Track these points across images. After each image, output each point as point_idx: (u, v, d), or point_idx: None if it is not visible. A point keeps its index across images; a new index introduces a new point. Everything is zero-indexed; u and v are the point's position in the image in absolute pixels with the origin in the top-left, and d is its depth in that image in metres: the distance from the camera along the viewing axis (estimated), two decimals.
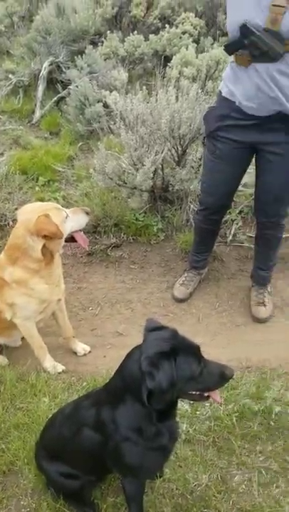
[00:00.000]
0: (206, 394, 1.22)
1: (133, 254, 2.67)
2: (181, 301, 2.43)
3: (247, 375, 1.96)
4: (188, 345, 1.17)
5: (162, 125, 2.47)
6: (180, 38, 4.06)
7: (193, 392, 1.20)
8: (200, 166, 2.51)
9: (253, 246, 2.42)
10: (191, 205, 2.69)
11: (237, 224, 2.76)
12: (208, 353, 2.03)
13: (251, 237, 2.61)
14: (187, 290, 2.44)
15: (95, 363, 2.11)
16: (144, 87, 3.10)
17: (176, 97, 2.59)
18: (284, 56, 1.59)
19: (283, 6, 1.53)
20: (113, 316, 2.38)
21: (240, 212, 2.81)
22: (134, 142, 2.53)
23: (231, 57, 1.74)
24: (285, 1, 1.52)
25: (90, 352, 2.17)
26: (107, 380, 1.31)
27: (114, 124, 2.65)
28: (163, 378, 1.07)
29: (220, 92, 1.87)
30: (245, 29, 1.58)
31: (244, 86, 1.72)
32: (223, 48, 1.72)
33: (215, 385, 1.21)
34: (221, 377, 1.20)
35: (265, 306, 2.33)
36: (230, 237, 2.72)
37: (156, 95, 2.63)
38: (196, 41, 4.14)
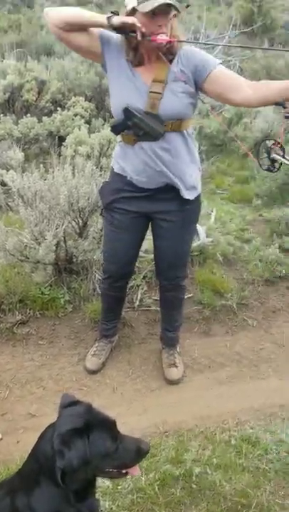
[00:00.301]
0: (124, 471, 1.19)
1: (41, 329, 2.61)
2: (94, 372, 2.39)
3: (165, 440, 1.95)
4: (104, 420, 1.15)
5: (61, 200, 2.54)
6: (72, 119, 4.32)
7: (110, 470, 1.16)
8: (101, 236, 2.60)
9: (159, 309, 2.51)
10: (96, 275, 2.74)
11: (142, 289, 2.85)
12: (125, 422, 2.03)
13: (157, 300, 2.70)
14: (99, 360, 2.42)
15: (8, 450, 1.96)
16: (41, 166, 3.20)
17: (73, 174, 2.71)
18: (165, 135, 1.78)
19: (160, 93, 1.73)
20: (24, 397, 2.26)
21: (144, 277, 2.91)
22: (34, 218, 2.56)
23: (119, 137, 1.90)
24: (160, 89, 1.73)
25: (1, 439, 2.02)
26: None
27: (13, 201, 2.68)
28: (74, 456, 1.03)
29: (112, 168, 2.01)
30: (128, 112, 1.75)
31: (133, 162, 1.87)
32: (110, 128, 1.88)
33: (131, 461, 1.18)
34: (138, 452, 1.17)
35: (176, 367, 2.38)
36: (138, 302, 2.78)
37: (53, 172, 2.73)
38: (88, 122, 4.42)
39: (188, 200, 1.94)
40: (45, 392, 2.28)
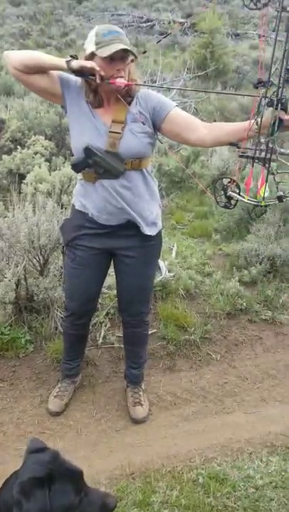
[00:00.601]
0: None
1: (0, 371, 2.51)
2: (57, 414, 2.31)
3: (132, 482, 1.89)
4: (69, 470, 1.09)
5: (21, 238, 2.52)
6: (32, 157, 4.33)
7: None
8: (62, 273, 2.58)
9: (122, 346, 2.48)
10: (58, 313, 2.69)
11: (105, 326, 2.82)
12: (91, 465, 1.96)
13: (120, 337, 2.67)
14: (62, 401, 2.34)
15: None
16: (1, 203, 3.17)
17: (34, 211, 2.70)
18: (125, 173, 1.82)
19: (119, 133, 1.78)
20: None
21: (107, 313, 2.89)
22: None
23: (80, 175, 1.92)
24: (120, 129, 1.78)
25: None
26: None
27: None
28: (33, 508, 0.97)
29: (73, 205, 2.02)
30: (88, 151, 1.78)
31: (94, 199, 1.89)
32: (70, 167, 1.90)
33: None
34: (103, 508, 1.11)
35: (141, 405, 2.34)
36: (101, 340, 2.74)
37: (14, 210, 2.71)
38: (48, 160, 4.44)
39: (150, 236, 1.97)
40: (5, 438, 2.17)
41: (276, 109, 1.43)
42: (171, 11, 19.16)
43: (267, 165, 1.48)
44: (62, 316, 2.60)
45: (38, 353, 2.64)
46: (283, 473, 2.01)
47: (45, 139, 4.82)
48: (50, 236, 2.60)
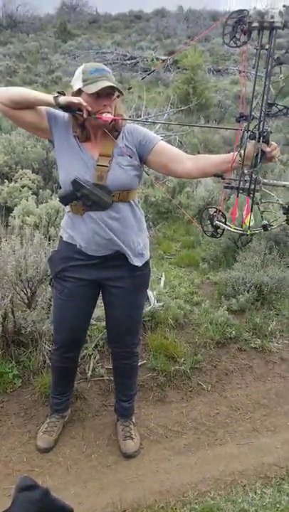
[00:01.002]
0: None
1: None
2: (46, 450, 2.25)
3: None
4: (59, 508, 1.06)
5: (8, 270, 2.51)
6: (20, 191, 4.36)
7: None
8: (50, 305, 2.56)
9: (112, 378, 2.45)
10: (46, 346, 2.66)
11: (94, 358, 2.79)
12: (81, 502, 1.91)
13: (110, 369, 2.64)
14: (51, 437, 2.29)
15: None
16: None
17: (21, 244, 2.71)
18: (113, 205, 1.84)
19: (107, 166, 1.82)
20: None
21: (96, 345, 2.86)
22: None
23: (67, 207, 1.94)
24: (107, 162, 1.82)
25: None
26: None
27: None
28: None
29: (61, 237, 2.03)
30: (76, 184, 1.81)
31: (82, 231, 1.90)
32: (58, 199, 1.92)
33: None
34: None
35: (132, 439, 2.29)
36: (90, 372, 2.71)
37: (1, 243, 2.71)
38: (36, 193, 4.48)
39: (138, 266, 1.98)
40: None
41: (258, 141, 1.48)
42: (153, 49, 19.87)
43: (251, 195, 1.52)
44: (50, 349, 2.57)
45: (26, 388, 2.59)
46: (278, 506, 1.98)
47: (33, 172, 4.87)
48: (38, 268, 2.60)
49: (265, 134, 1.48)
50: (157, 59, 17.42)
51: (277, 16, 1.34)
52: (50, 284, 2.15)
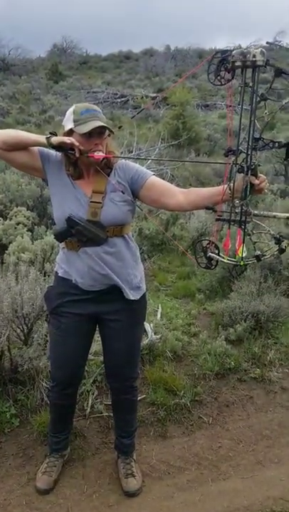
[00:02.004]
0: None
1: None
2: (46, 492, 2.19)
3: None
4: None
5: (4, 308, 2.51)
6: (15, 228, 4.40)
7: None
8: (47, 341, 2.55)
9: (111, 414, 2.41)
10: (44, 383, 2.63)
11: (93, 394, 2.75)
12: None
13: (109, 405, 2.60)
14: (51, 478, 2.23)
15: None
16: None
17: (16, 280, 2.71)
18: (107, 240, 1.87)
19: (100, 202, 1.85)
20: None
21: (95, 381, 2.83)
22: None
23: (62, 244, 1.97)
24: (100, 199, 1.86)
25: None
26: None
27: None
28: None
29: (56, 272, 2.04)
30: (71, 221, 1.84)
31: (77, 267, 1.92)
32: (53, 237, 1.95)
33: None
34: None
35: (134, 476, 2.24)
36: (89, 409, 2.66)
37: None
38: (31, 230, 4.52)
39: (135, 299, 1.99)
40: None
41: (246, 174, 1.52)
42: (143, 87, 20.50)
43: (243, 226, 1.56)
44: (48, 386, 2.54)
45: (24, 427, 2.54)
46: None
47: (27, 209, 4.93)
48: (34, 304, 2.60)
49: (253, 167, 1.52)
50: (147, 96, 17.94)
51: (259, 55, 1.40)
52: (46, 320, 2.14)
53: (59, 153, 1.87)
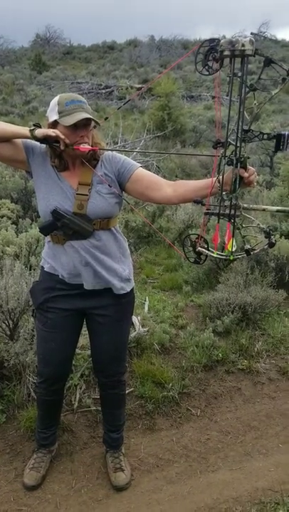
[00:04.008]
0: None
1: None
2: (33, 488, 2.17)
3: None
4: None
5: None
6: None
7: None
8: (33, 336, 2.51)
9: (99, 408, 2.39)
10: (31, 378, 2.59)
11: (81, 388, 2.73)
12: None
13: (97, 399, 2.58)
14: (39, 473, 2.21)
15: None
16: None
17: (1, 274, 2.67)
18: (94, 233, 1.84)
19: (86, 195, 1.82)
20: None
21: (82, 375, 2.80)
22: None
23: (48, 237, 1.93)
24: (87, 191, 1.82)
25: None
26: None
27: None
28: None
29: (42, 267, 2.00)
30: (56, 214, 1.80)
31: (62, 261, 1.89)
32: (39, 230, 1.90)
33: None
34: None
35: (123, 470, 2.23)
36: (76, 404, 2.64)
37: None
38: (15, 223, 4.45)
39: (123, 293, 1.96)
40: None
41: (236, 167, 1.50)
42: (128, 78, 20.31)
43: (232, 220, 1.53)
44: (34, 381, 2.50)
45: (10, 423, 2.51)
46: None
47: (12, 202, 4.85)
48: (19, 299, 2.56)
49: (242, 160, 1.50)
50: (132, 87, 17.80)
51: (248, 44, 1.37)
52: (32, 315, 2.10)
53: (43, 145, 1.83)
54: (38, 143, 1.81)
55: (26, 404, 2.56)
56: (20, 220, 4.56)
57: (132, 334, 3.02)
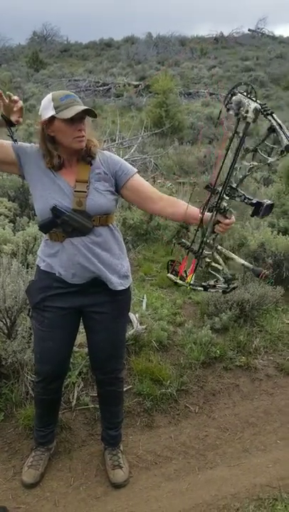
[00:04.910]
0: None
1: None
2: (32, 486, 2.17)
3: None
4: None
5: None
6: None
7: None
8: (31, 334, 2.51)
9: (98, 406, 2.39)
10: (28, 376, 2.59)
11: (79, 386, 2.73)
12: None
13: (95, 396, 2.59)
14: (37, 471, 2.21)
15: None
16: None
17: None
18: (93, 229, 1.84)
19: (85, 191, 1.82)
20: None
21: (80, 373, 2.80)
22: None
23: (46, 235, 1.92)
24: (85, 188, 1.82)
25: None
26: None
27: None
28: None
29: (38, 266, 2.00)
30: (56, 211, 1.80)
31: (61, 258, 1.88)
32: (38, 228, 1.90)
33: None
34: None
35: (121, 468, 2.23)
36: (74, 402, 2.64)
37: None
38: (13, 221, 4.44)
39: (120, 290, 1.96)
40: None
41: (216, 214, 1.71)
42: (125, 75, 20.26)
43: (198, 258, 1.79)
44: (32, 379, 2.50)
45: (8, 422, 2.51)
46: None
47: (9, 200, 4.84)
48: (17, 297, 2.56)
49: (222, 211, 1.71)
50: (129, 84, 17.75)
51: (251, 113, 1.49)
52: (28, 315, 2.10)
53: (36, 144, 1.84)
54: (27, 143, 1.84)
55: (24, 402, 2.56)
56: (17, 218, 4.54)
57: (130, 332, 3.02)
